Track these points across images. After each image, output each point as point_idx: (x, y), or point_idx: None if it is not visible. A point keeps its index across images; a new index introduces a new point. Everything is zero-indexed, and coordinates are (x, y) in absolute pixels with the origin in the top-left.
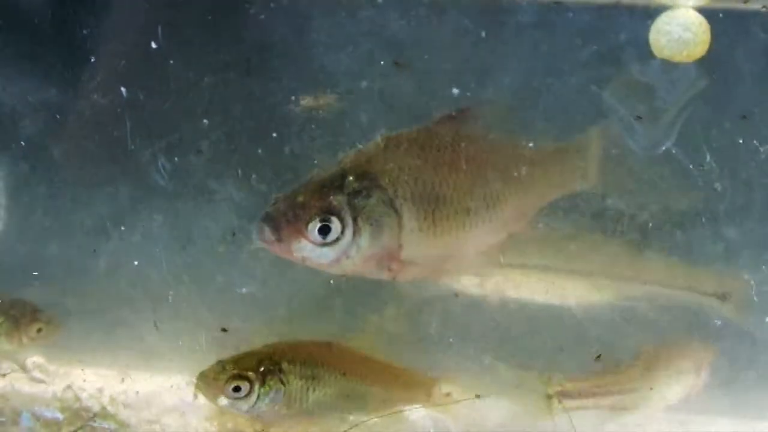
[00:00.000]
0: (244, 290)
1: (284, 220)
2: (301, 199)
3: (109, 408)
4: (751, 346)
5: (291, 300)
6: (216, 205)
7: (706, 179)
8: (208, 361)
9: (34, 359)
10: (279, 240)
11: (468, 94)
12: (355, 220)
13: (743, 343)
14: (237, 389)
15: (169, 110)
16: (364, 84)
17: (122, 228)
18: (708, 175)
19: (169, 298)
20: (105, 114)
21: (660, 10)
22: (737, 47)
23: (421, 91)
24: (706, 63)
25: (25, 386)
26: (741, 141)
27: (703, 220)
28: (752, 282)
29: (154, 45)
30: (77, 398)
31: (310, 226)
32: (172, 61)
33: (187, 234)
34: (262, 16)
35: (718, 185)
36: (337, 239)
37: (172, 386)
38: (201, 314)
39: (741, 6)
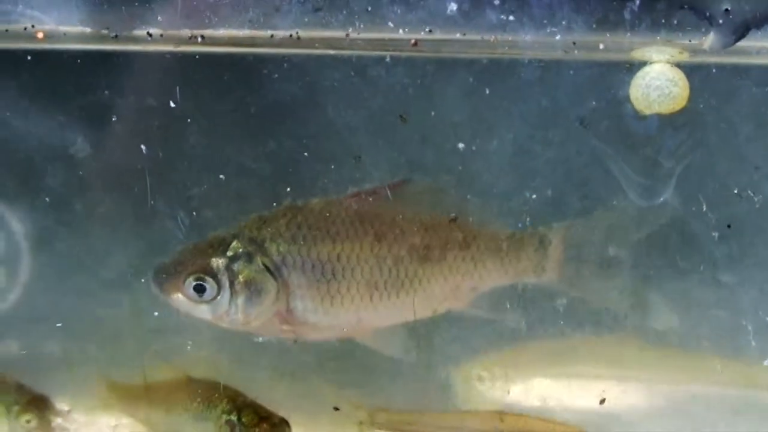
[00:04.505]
0: (260, 339)
1: (165, 275)
2: (187, 256)
3: None
4: None
5: (306, 348)
6: None
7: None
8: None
9: (58, 407)
10: (161, 292)
11: (473, 148)
12: (231, 283)
13: None
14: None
15: (187, 166)
16: (371, 138)
17: (143, 280)
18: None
19: (188, 347)
20: (126, 170)
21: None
22: (730, 100)
23: (426, 145)
24: (701, 115)
25: None
26: (736, 191)
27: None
28: None
29: (172, 104)
30: None
31: (186, 283)
32: (189, 120)
33: None
34: (276, 75)
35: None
36: (214, 299)
37: None
38: (219, 363)
39: (732, 60)
